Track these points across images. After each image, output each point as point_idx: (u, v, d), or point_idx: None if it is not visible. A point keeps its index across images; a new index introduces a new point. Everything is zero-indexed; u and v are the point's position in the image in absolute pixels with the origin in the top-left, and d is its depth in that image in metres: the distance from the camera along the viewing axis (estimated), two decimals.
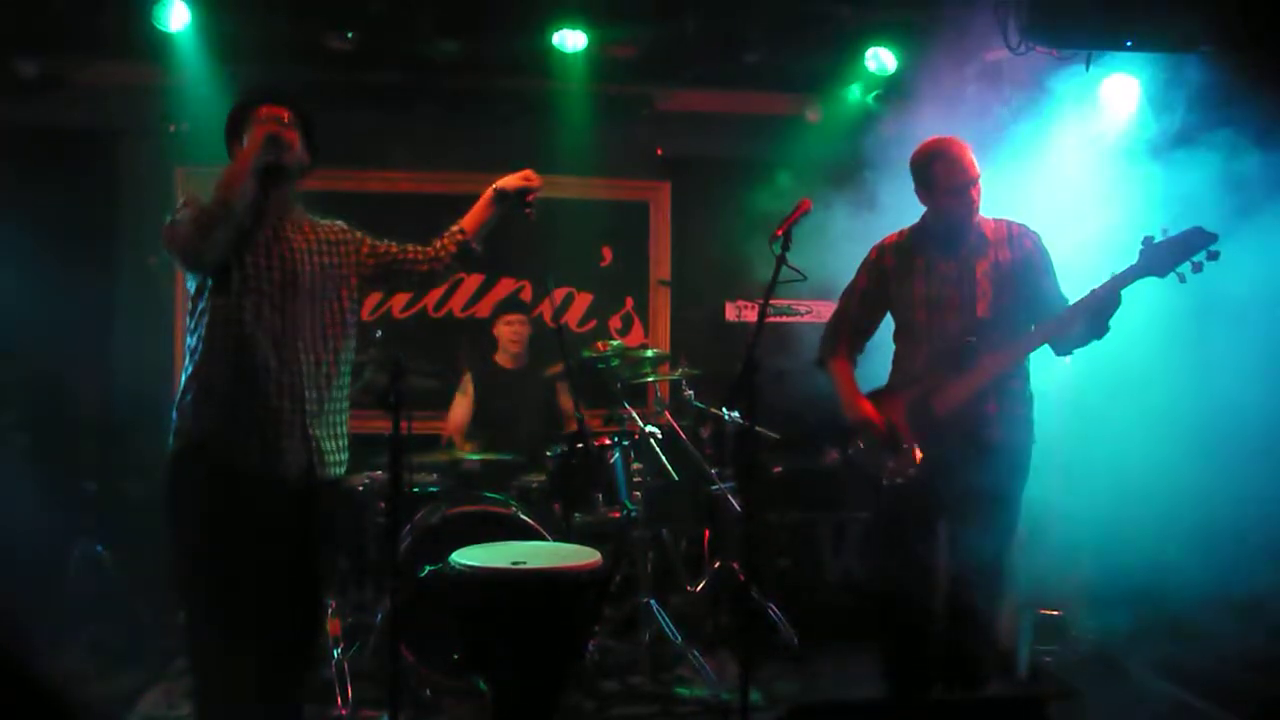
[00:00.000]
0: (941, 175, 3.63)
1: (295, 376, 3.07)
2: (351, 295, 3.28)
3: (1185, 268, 3.32)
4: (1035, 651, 4.43)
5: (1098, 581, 4.43)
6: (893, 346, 3.84)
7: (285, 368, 3.06)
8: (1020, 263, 3.62)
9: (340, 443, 3.22)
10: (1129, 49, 4.00)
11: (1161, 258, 3.34)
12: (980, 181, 3.62)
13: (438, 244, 3.46)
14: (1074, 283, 3.61)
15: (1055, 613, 4.48)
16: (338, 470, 3.21)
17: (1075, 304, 3.45)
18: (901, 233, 3.82)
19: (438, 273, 3.49)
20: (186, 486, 3.03)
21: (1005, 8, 3.88)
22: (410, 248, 3.43)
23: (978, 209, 3.66)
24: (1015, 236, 3.68)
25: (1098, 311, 3.42)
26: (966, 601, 3.60)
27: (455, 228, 3.48)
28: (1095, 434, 4.22)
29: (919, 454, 3.61)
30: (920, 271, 3.70)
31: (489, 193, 3.48)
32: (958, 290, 3.63)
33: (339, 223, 3.36)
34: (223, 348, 3.03)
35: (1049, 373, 3.90)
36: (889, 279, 3.79)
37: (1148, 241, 3.35)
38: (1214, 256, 3.30)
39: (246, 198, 3.01)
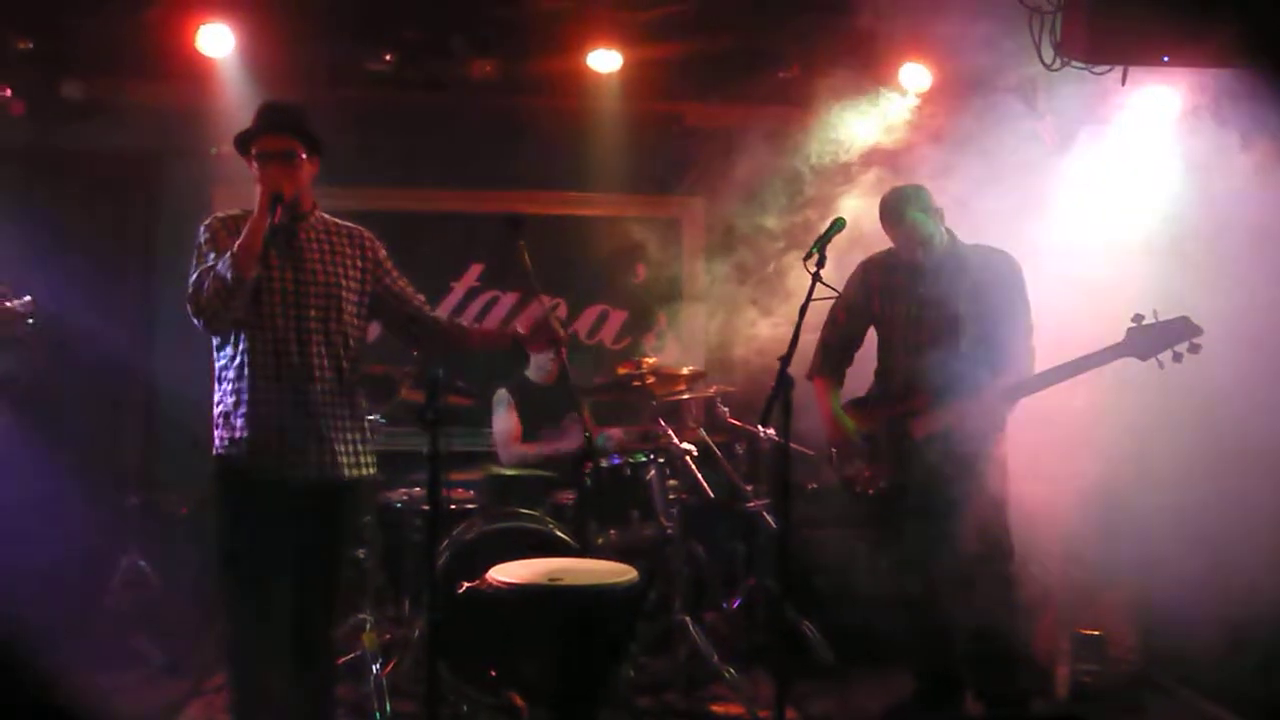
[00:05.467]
0: (890, 235, 3.92)
1: (308, 384, 3.24)
2: (363, 301, 3.42)
3: (1166, 355, 3.46)
4: (1076, 671, 4.38)
5: (1140, 600, 4.38)
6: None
7: (298, 376, 3.23)
8: (997, 294, 3.78)
9: (354, 446, 3.36)
10: (1165, 64, 3.98)
11: (1146, 342, 3.55)
12: (934, 230, 3.82)
13: (443, 325, 3.59)
14: (1100, 300, 3.65)
15: (1096, 632, 4.43)
16: (355, 472, 3.36)
17: (1058, 367, 3.64)
18: (888, 251, 3.93)
19: (425, 351, 3.72)
20: (219, 493, 3.27)
21: (1040, 23, 3.86)
22: (424, 311, 3.56)
23: (943, 245, 3.84)
24: (993, 264, 3.87)
25: (1071, 376, 3.63)
26: (978, 616, 3.66)
27: (466, 327, 3.65)
28: (1139, 450, 4.18)
29: (888, 471, 3.86)
30: (902, 292, 3.89)
31: (510, 334, 3.59)
32: (937, 316, 3.81)
33: (362, 231, 3.48)
34: (242, 361, 3.23)
35: (1091, 392, 3.91)
36: (873, 295, 3.98)
37: (1137, 320, 3.51)
38: (1195, 349, 3.43)
39: (259, 260, 3.15)
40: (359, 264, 3.41)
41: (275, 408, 3.22)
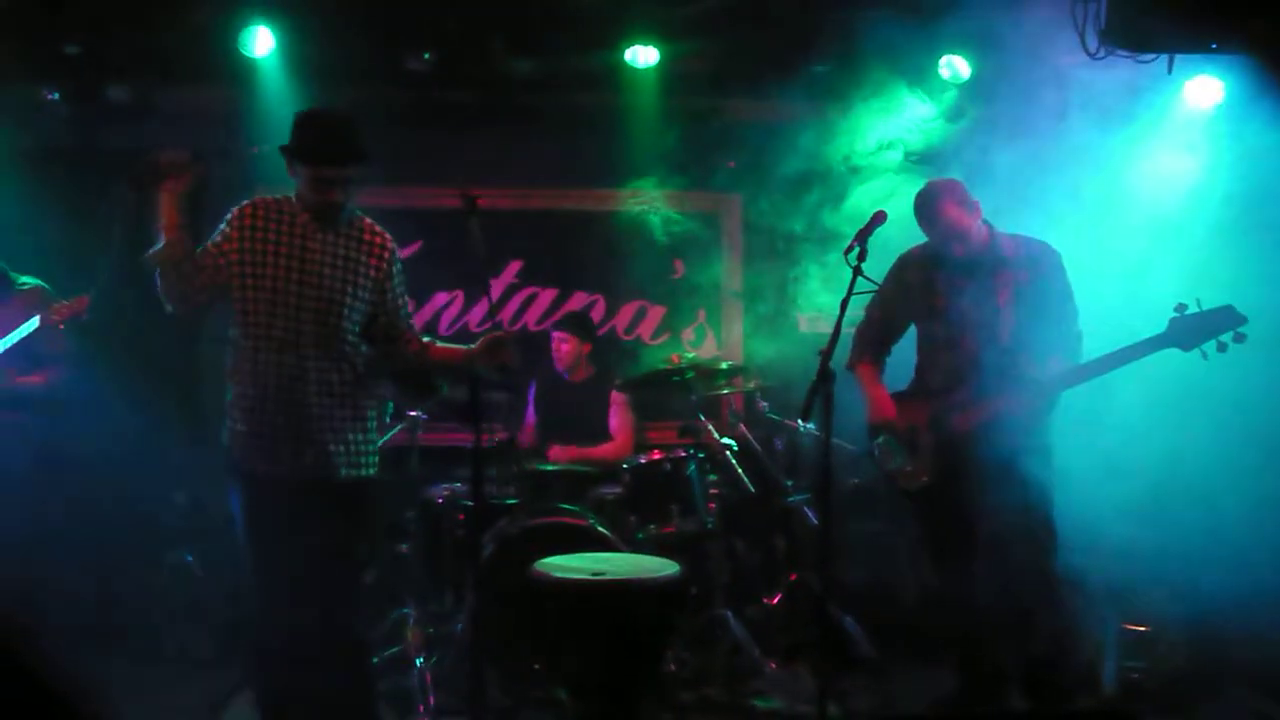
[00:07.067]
0: (926, 230, 3.85)
1: (302, 386, 3.26)
2: (363, 304, 3.39)
3: (1210, 345, 3.38)
4: (1123, 667, 4.33)
5: (1187, 596, 4.32)
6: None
7: (292, 377, 3.26)
8: (1039, 285, 3.73)
9: (354, 446, 3.36)
10: (1213, 51, 3.93)
11: (1189, 332, 3.47)
12: (971, 223, 3.75)
13: (412, 350, 3.53)
14: (1141, 293, 3.60)
15: (1143, 628, 4.37)
16: (353, 472, 3.36)
17: (1100, 359, 3.58)
18: (924, 246, 3.91)
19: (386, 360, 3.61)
20: (229, 485, 3.34)
21: (1083, 12, 3.81)
22: (404, 334, 3.52)
23: (981, 239, 3.79)
24: (1034, 256, 3.80)
25: (1114, 369, 3.56)
26: (1022, 612, 3.63)
27: (429, 348, 3.56)
28: (1186, 451, 4.13)
29: (929, 465, 3.81)
30: (940, 286, 3.85)
31: (464, 354, 3.51)
32: (978, 310, 3.76)
33: (385, 239, 3.45)
34: (241, 359, 3.29)
35: (1140, 392, 3.87)
36: (911, 290, 3.93)
37: (1180, 310, 3.44)
38: (1240, 339, 3.37)
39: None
40: (371, 272, 3.39)
41: (269, 407, 3.26)
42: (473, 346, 3.47)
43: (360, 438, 3.39)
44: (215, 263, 3.27)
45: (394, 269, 3.47)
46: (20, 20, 5.02)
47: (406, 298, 3.55)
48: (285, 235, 3.30)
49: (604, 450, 5.07)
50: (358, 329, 3.38)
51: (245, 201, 3.38)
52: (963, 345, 3.78)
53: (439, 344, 3.63)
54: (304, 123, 3.33)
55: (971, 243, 3.77)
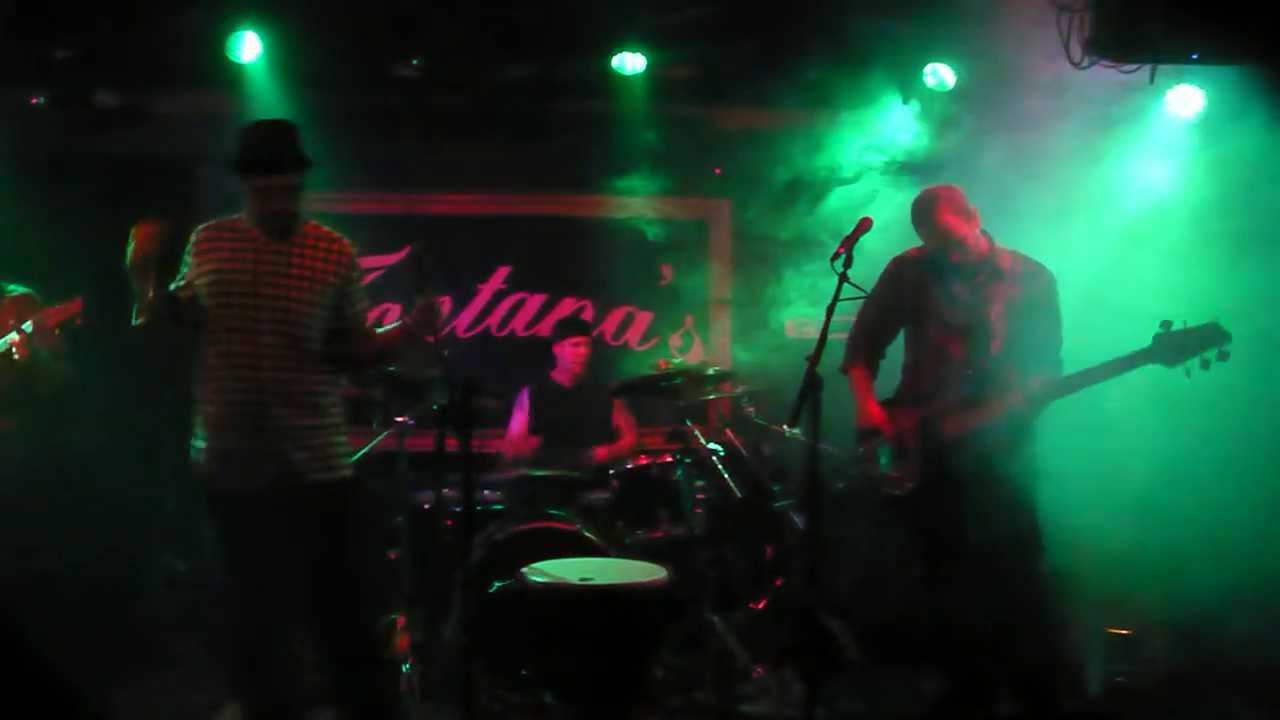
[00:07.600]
0: (923, 236, 3.83)
1: (261, 396, 3.24)
2: (323, 311, 3.35)
3: (1194, 362, 3.37)
4: (1107, 672, 4.36)
5: (1174, 600, 4.36)
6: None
7: (250, 390, 3.24)
8: (1031, 303, 3.74)
9: (318, 450, 3.32)
10: (1194, 62, 3.97)
11: (1173, 348, 3.44)
12: (968, 231, 3.74)
13: (361, 349, 3.52)
14: (1124, 300, 3.63)
15: (1126, 631, 4.40)
16: (323, 475, 3.33)
17: (1084, 372, 3.58)
18: (920, 249, 3.91)
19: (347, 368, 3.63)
20: (200, 500, 3.35)
21: (1068, 22, 3.85)
22: (360, 340, 3.50)
23: (979, 248, 3.79)
24: (1030, 275, 3.81)
25: (1097, 382, 3.56)
26: (1009, 616, 3.66)
27: (372, 335, 3.55)
28: (1174, 456, 4.17)
29: (917, 471, 3.82)
30: (934, 291, 3.86)
31: (402, 328, 3.52)
32: (971, 318, 3.78)
33: (344, 247, 3.42)
34: (204, 377, 3.29)
35: (1129, 398, 3.90)
36: (904, 293, 3.94)
37: (1165, 327, 3.43)
38: (1224, 357, 3.37)
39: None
40: (330, 279, 3.36)
41: (227, 421, 3.25)
42: (407, 318, 3.47)
43: (327, 440, 3.36)
44: (188, 297, 3.29)
45: (353, 274, 3.44)
46: (7, 25, 5.01)
47: (364, 301, 3.53)
48: (238, 252, 3.29)
49: (621, 446, 5.24)
50: (319, 335, 3.35)
51: (199, 227, 3.38)
52: (952, 351, 3.80)
53: (379, 330, 3.61)
54: (241, 136, 3.33)
55: (969, 250, 3.77)
